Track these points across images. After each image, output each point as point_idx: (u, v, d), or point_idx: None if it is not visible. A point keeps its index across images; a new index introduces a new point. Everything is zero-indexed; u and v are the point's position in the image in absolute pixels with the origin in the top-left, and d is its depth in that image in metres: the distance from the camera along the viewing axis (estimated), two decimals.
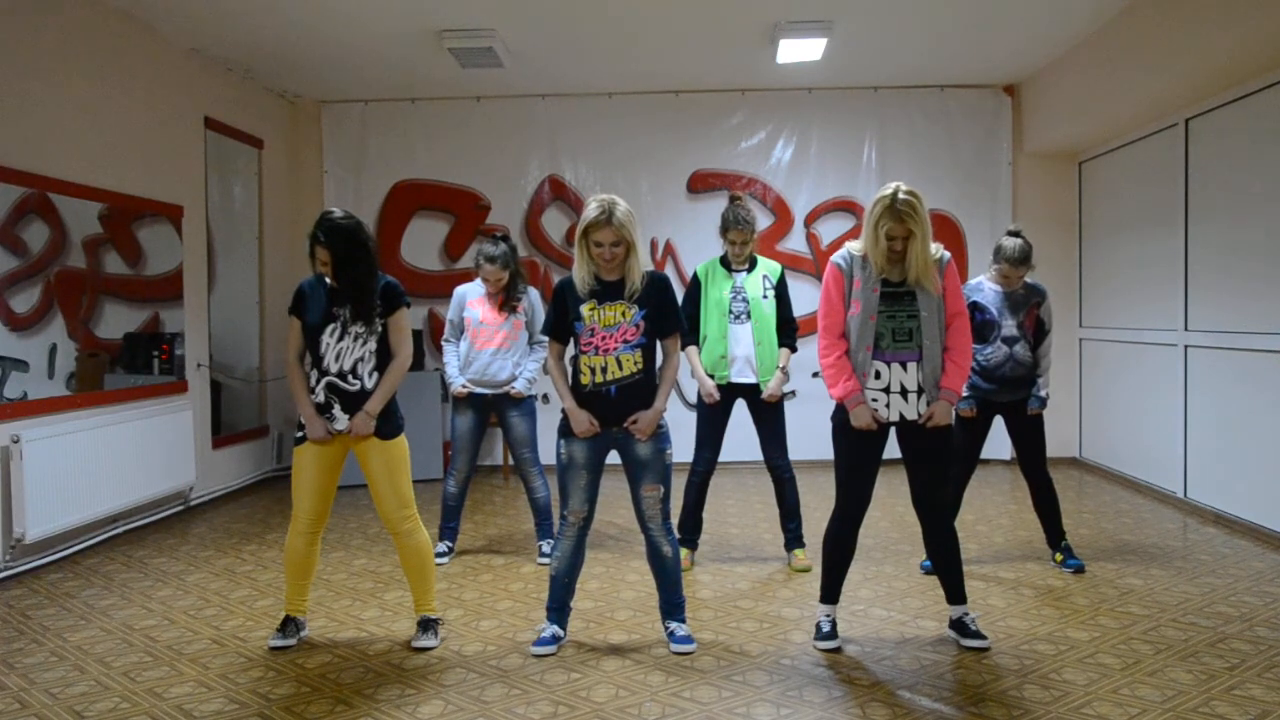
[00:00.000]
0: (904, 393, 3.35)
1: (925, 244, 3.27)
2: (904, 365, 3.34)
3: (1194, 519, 5.51)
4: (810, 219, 7.54)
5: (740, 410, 4.54)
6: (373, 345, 3.45)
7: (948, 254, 3.40)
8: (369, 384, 3.44)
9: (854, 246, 3.42)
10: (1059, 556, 4.48)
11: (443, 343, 4.88)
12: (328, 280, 3.46)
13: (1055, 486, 4.52)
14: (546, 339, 3.64)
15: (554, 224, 7.59)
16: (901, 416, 3.37)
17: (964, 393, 4.36)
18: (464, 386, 4.68)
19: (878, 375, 3.35)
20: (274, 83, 7.08)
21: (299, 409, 3.49)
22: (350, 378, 3.43)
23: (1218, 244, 5.48)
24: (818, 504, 5.56)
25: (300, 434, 3.47)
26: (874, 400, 3.36)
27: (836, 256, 3.43)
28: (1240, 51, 4.72)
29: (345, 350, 3.43)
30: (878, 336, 3.34)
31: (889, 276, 3.34)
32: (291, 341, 3.53)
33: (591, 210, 3.31)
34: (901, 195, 3.23)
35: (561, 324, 3.49)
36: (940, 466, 3.45)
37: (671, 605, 3.55)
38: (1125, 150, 6.64)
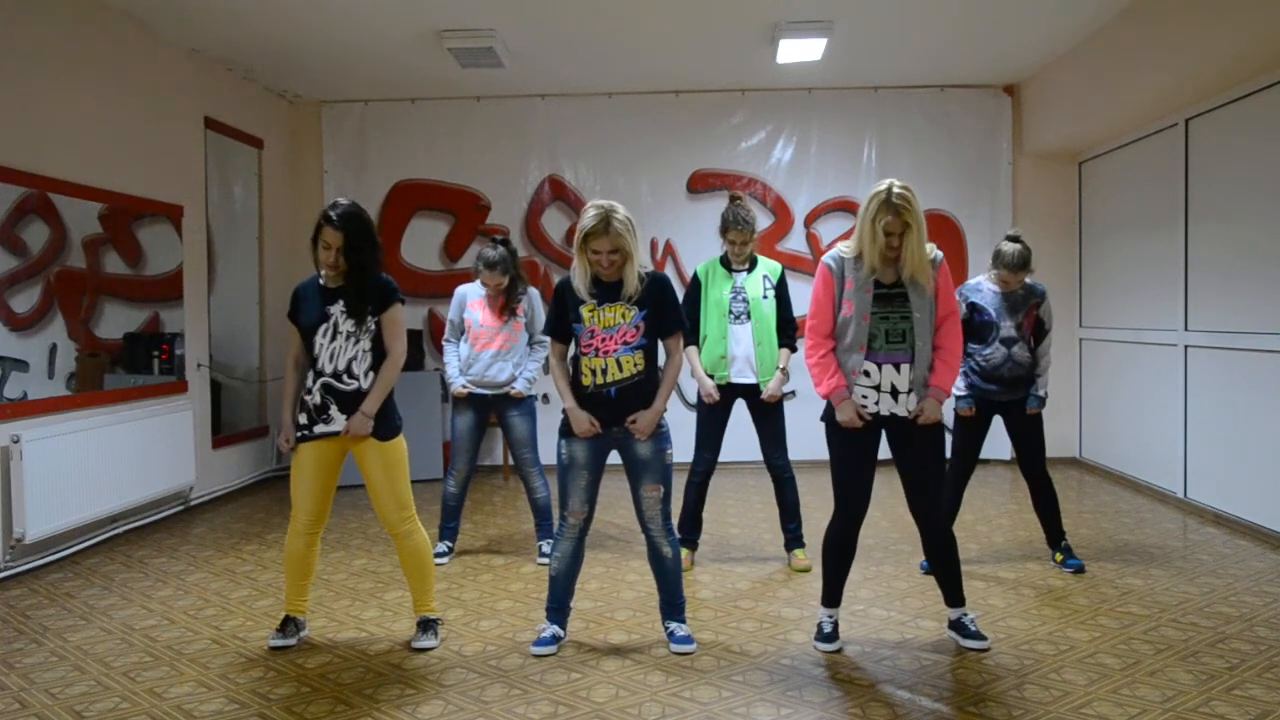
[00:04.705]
0: (894, 392, 3.35)
1: (921, 239, 3.27)
2: (896, 366, 3.33)
3: (1194, 519, 5.51)
4: (810, 219, 7.54)
5: (740, 410, 4.54)
6: (366, 344, 3.45)
7: (941, 254, 3.40)
8: (364, 384, 3.44)
9: (844, 248, 3.41)
10: (1059, 556, 4.48)
11: (443, 343, 4.88)
12: (321, 280, 3.47)
13: (1055, 486, 4.53)
14: (547, 339, 3.65)
15: (554, 224, 7.60)
16: (892, 414, 3.36)
17: (961, 392, 4.37)
18: (464, 387, 4.69)
19: (867, 374, 3.35)
20: (274, 83, 7.08)
21: (282, 412, 3.53)
22: (346, 377, 3.43)
23: (1218, 244, 5.48)
24: (818, 504, 5.55)
25: (300, 434, 3.47)
26: (864, 397, 3.35)
27: (827, 257, 3.43)
28: (1240, 51, 4.72)
29: (339, 350, 3.43)
30: (870, 337, 3.33)
31: (881, 278, 3.34)
32: (290, 346, 3.55)
33: (589, 219, 3.30)
34: (896, 189, 3.24)
35: (562, 323, 3.48)
36: (935, 469, 3.44)
37: (671, 605, 3.55)
38: (1125, 150, 6.64)
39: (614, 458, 3.50)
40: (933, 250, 3.36)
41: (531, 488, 4.77)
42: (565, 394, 3.46)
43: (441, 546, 4.74)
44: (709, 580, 4.38)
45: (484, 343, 4.69)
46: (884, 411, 3.36)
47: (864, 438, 3.38)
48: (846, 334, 3.35)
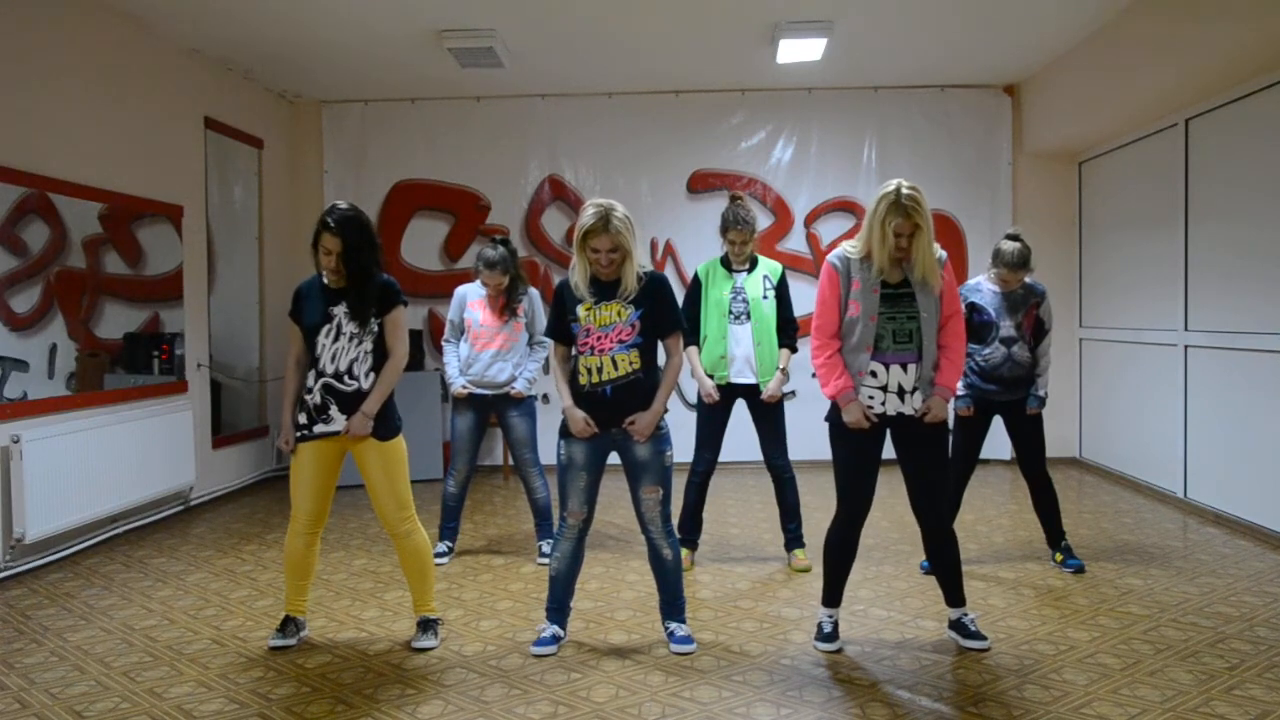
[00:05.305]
0: (900, 393, 3.35)
1: (930, 240, 3.27)
2: (903, 367, 3.33)
3: (1194, 519, 5.51)
4: (810, 219, 7.54)
5: (740, 410, 4.54)
6: (368, 345, 3.45)
7: (944, 253, 3.40)
8: (365, 384, 3.44)
9: (850, 247, 3.41)
10: (1059, 556, 4.48)
11: (443, 343, 4.88)
12: (324, 280, 3.47)
13: (1055, 486, 4.53)
14: (547, 339, 3.64)
15: (554, 224, 7.60)
16: (899, 414, 3.36)
17: (960, 392, 4.37)
18: (464, 387, 4.69)
19: (874, 375, 3.35)
20: (274, 83, 7.08)
21: (282, 413, 3.53)
22: (347, 378, 3.43)
23: (1218, 244, 5.48)
24: (818, 504, 5.56)
25: (299, 434, 3.47)
26: (870, 398, 3.35)
27: (832, 257, 3.41)
28: (1240, 51, 4.72)
29: (341, 351, 3.43)
30: (878, 338, 3.33)
31: (888, 278, 3.33)
32: (292, 346, 3.55)
33: (588, 216, 3.30)
34: (905, 190, 3.23)
35: (561, 324, 3.48)
36: (939, 469, 3.44)
37: (672, 606, 3.55)
38: (1125, 150, 6.64)
39: (614, 458, 3.50)
40: (936, 250, 3.36)
41: (531, 488, 4.77)
42: (563, 393, 3.47)
43: (441, 546, 4.74)
44: (709, 580, 4.38)
45: (484, 343, 4.70)
46: (890, 411, 3.36)
47: (868, 439, 3.38)
48: (853, 334, 3.35)
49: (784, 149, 7.54)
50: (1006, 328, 4.34)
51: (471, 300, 4.77)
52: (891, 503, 5.67)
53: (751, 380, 4.46)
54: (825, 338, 3.39)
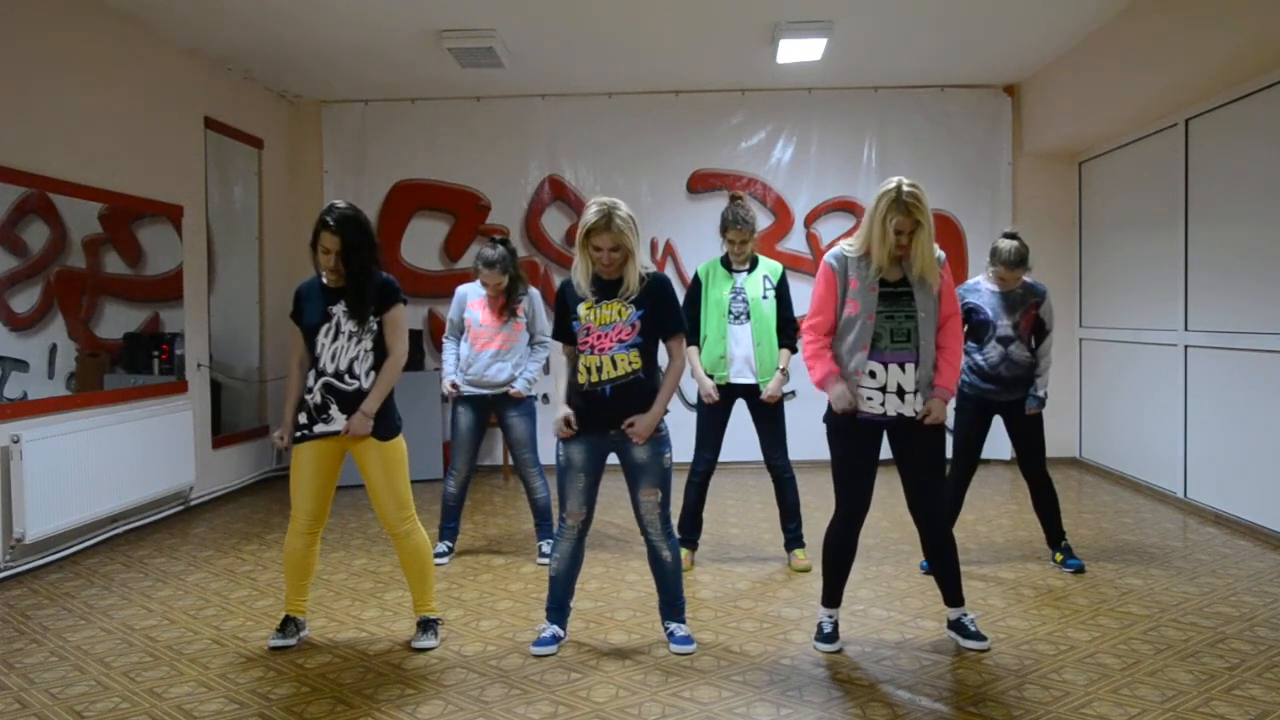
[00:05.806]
0: (900, 393, 3.34)
1: (930, 237, 3.26)
2: (901, 366, 3.33)
3: (1194, 519, 5.51)
4: (810, 219, 7.54)
5: (740, 410, 4.54)
6: (368, 344, 3.45)
7: (943, 254, 3.39)
8: (365, 384, 3.44)
9: (848, 246, 3.40)
10: (1059, 556, 4.48)
11: (443, 340, 4.89)
12: (324, 279, 3.47)
13: (1055, 486, 4.53)
14: (548, 339, 3.64)
15: (554, 224, 7.60)
16: (899, 415, 3.36)
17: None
18: (454, 384, 4.69)
19: (873, 375, 3.34)
20: (274, 83, 7.08)
21: (284, 414, 3.53)
22: (347, 377, 3.43)
23: (1218, 244, 5.48)
24: (818, 504, 5.55)
25: (299, 434, 3.47)
26: (869, 399, 3.35)
27: (829, 256, 3.41)
28: (1240, 51, 4.72)
29: (340, 350, 3.43)
30: (875, 337, 3.33)
31: (887, 276, 3.33)
32: (294, 347, 3.55)
33: (591, 214, 3.30)
34: (906, 187, 3.22)
35: (564, 325, 3.48)
36: (935, 469, 3.44)
37: (671, 606, 3.55)
38: (1125, 150, 6.64)
39: (614, 459, 3.50)
40: (935, 249, 3.36)
41: (531, 488, 4.77)
42: (559, 390, 3.47)
43: (441, 546, 4.74)
44: (709, 580, 4.38)
45: (483, 342, 4.70)
46: (890, 413, 3.34)
47: (865, 438, 3.38)
48: (850, 333, 3.34)
49: (784, 149, 7.54)
50: (1004, 327, 4.34)
51: (471, 300, 4.77)
52: (891, 503, 5.67)
53: (751, 380, 4.46)
54: (818, 334, 3.39)
